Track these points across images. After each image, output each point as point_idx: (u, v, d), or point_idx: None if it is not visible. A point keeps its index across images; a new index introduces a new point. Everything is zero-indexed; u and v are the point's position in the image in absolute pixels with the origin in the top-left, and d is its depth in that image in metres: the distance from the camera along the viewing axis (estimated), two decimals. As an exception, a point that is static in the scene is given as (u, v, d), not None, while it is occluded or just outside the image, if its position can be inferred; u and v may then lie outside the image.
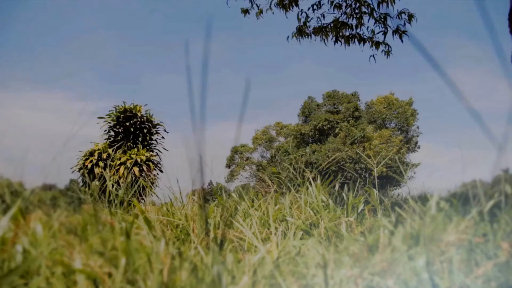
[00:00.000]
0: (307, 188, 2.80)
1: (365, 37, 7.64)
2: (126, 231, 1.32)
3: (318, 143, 36.06)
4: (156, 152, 12.96)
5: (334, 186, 3.04)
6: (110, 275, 1.27)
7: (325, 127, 36.21)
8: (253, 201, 2.71)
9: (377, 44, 7.63)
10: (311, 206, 2.54)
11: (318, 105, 39.22)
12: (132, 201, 2.50)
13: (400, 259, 1.44)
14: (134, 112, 12.84)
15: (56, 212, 1.87)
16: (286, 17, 7.55)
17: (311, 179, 2.88)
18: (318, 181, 2.92)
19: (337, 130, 35.75)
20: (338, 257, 1.48)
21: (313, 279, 1.44)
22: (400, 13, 7.31)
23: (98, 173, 11.12)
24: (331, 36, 7.71)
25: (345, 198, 2.87)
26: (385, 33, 7.53)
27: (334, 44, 7.68)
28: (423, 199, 2.02)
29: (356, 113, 36.64)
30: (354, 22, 7.65)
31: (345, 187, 3.09)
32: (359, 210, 2.79)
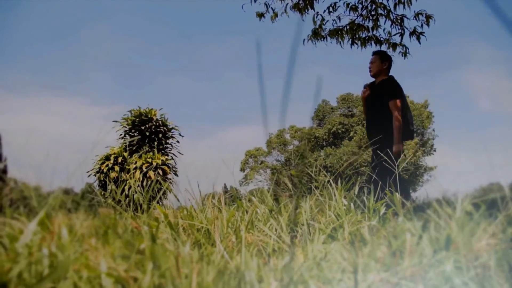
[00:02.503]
0: (328, 192, 2.76)
1: (381, 39, 7.57)
2: (152, 235, 1.32)
3: (333, 146, 35.85)
4: (171, 156, 13.02)
5: (354, 190, 3.00)
6: (135, 279, 1.27)
7: (339, 131, 36.01)
8: (273, 204, 2.69)
9: (394, 46, 7.55)
10: (334, 210, 2.51)
11: (332, 108, 39.06)
12: (152, 205, 2.50)
13: (429, 264, 1.41)
14: (149, 116, 12.92)
15: (79, 216, 1.88)
16: (303, 20, 7.53)
17: (331, 182, 2.85)
18: (338, 184, 2.88)
19: (351, 134, 35.52)
20: (366, 261, 1.45)
21: (339, 284, 1.42)
22: (417, 14, 7.22)
23: (113, 177, 11.22)
24: (347, 39, 7.66)
25: (366, 201, 2.82)
26: (402, 35, 7.45)
27: (351, 46, 7.62)
28: (446, 202, 1.97)
29: (371, 116, 36.32)
30: (370, 24, 7.60)
31: (365, 190, 3.04)
32: (381, 213, 2.74)
